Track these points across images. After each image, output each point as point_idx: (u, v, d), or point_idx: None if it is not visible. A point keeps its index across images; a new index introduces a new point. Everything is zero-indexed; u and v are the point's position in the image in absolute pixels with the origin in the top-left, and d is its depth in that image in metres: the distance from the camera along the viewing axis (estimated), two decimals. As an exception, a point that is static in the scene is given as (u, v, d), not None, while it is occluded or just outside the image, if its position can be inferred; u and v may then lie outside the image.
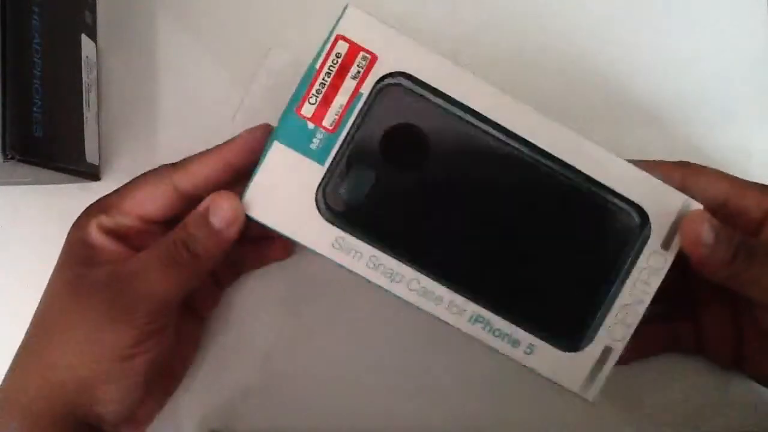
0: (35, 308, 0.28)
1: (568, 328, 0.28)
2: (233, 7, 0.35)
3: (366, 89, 0.26)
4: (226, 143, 0.28)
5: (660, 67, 0.35)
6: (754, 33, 0.35)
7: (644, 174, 0.26)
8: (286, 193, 0.26)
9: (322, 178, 0.26)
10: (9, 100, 0.26)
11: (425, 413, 0.34)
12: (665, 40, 0.35)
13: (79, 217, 0.28)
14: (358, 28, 0.26)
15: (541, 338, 0.27)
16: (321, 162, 0.26)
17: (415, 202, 0.27)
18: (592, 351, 0.27)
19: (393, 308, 0.34)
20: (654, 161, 0.29)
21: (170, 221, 0.28)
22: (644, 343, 0.28)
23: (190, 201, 0.28)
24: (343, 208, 0.27)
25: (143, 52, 0.35)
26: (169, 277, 0.26)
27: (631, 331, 0.27)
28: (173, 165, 0.28)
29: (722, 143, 0.35)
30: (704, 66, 0.35)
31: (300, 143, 0.26)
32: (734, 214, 0.28)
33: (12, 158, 0.26)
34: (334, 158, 0.26)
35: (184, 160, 0.28)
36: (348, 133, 0.26)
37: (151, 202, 0.28)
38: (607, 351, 0.27)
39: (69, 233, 0.28)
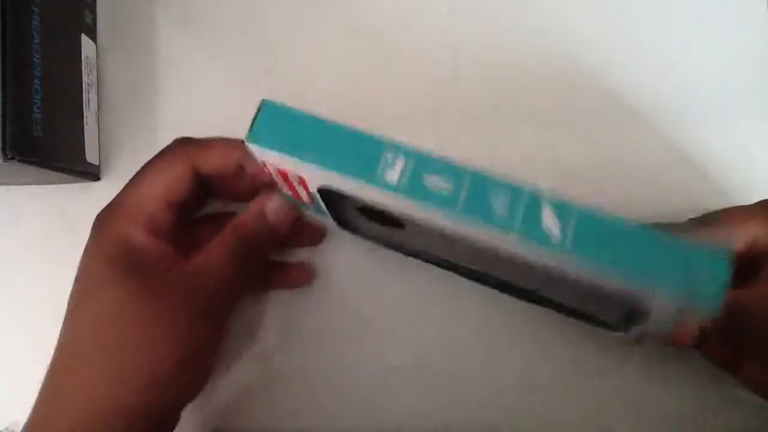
0: (64, 320, 0.27)
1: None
2: (233, 6, 0.35)
3: (314, 191, 0.26)
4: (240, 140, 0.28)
5: (660, 69, 0.35)
6: (755, 33, 0.35)
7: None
8: None
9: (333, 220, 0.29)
10: (9, 100, 0.26)
11: (425, 413, 0.34)
12: (665, 41, 0.35)
13: (106, 221, 0.27)
14: (271, 161, 0.24)
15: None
16: (324, 215, 0.29)
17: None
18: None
19: (393, 308, 0.34)
20: (680, 224, 0.29)
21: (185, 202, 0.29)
22: None
23: (210, 181, 0.29)
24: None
25: (143, 52, 0.35)
26: (241, 273, 0.27)
27: None
28: (191, 145, 0.28)
29: (724, 144, 0.34)
30: (705, 66, 0.35)
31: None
32: (762, 251, 0.28)
33: (12, 158, 0.26)
34: (330, 215, 0.28)
35: (204, 143, 0.28)
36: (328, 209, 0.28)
37: (174, 188, 0.28)
38: None
39: (102, 237, 0.27)
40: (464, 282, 0.31)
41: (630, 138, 0.35)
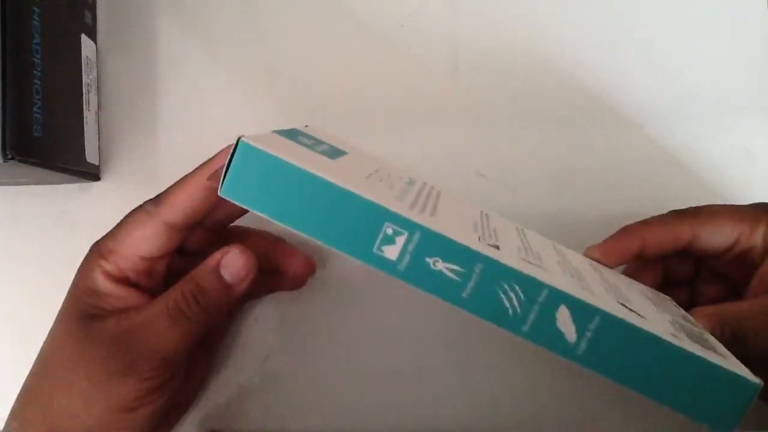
0: (41, 345, 0.27)
1: None
2: (233, 6, 0.35)
3: None
4: (204, 164, 0.26)
5: (660, 68, 0.35)
6: (755, 33, 0.35)
7: None
8: None
9: None
10: (9, 100, 0.26)
11: (425, 413, 0.34)
12: (666, 41, 0.35)
13: (84, 263, 0.27)
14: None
15: None
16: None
17: None
18: None
19: (392, 309, 0.34)
20: (661, 216, 0.29)
21: (177, 250, 0.27)
22: None
23: (187, 229, 0.27)
24: None
25: (143, 52, 0.35)
26: (176, 331, 0.25)
27: None
28: (156, 200, 0.26)
29: (724, 144, 0.35)
30: (705, 67, 0.35)
31: None
32: (743, 251, 0.28)
33: (12, 158, 0.26)
34: None
35: (166, 192, 0.26)
36: None
37: (147, 244, 0.26)
38: None
39: (75, 279, 0.27)
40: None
41: (629, 137, 0.35)
